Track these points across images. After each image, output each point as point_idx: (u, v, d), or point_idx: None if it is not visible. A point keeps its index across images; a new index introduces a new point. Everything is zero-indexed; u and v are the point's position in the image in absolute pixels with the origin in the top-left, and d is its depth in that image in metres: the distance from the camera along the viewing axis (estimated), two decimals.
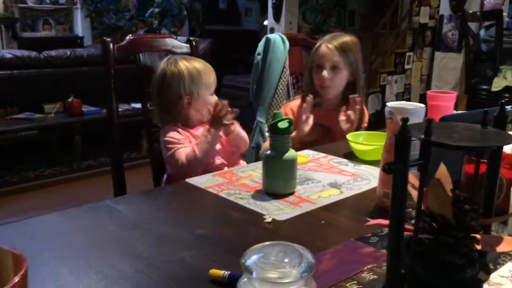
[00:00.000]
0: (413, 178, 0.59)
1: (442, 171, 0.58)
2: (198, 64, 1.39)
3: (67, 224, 0.87)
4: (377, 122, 2.09)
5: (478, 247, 0.57)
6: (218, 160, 1.41)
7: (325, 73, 1.56)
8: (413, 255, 0.57)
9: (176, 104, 1.37)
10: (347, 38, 1.62)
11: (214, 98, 1.41)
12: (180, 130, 1.38)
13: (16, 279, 0.33)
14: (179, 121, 1.40)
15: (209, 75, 1.39)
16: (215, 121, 1.32)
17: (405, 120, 0.48)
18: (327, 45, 1.58)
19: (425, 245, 0.56)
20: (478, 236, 0.57)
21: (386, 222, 0.73)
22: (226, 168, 1.36)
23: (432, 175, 0.55)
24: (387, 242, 0.53)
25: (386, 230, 0.82)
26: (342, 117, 1.53)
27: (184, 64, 1.37)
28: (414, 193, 0.60)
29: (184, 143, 1.35)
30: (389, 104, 0.91)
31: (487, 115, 0.55)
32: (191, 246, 0.77)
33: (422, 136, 0.50)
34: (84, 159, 3.58)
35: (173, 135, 1.36)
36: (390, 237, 0.52)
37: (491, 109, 0.59)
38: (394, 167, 0.48)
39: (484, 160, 0.62)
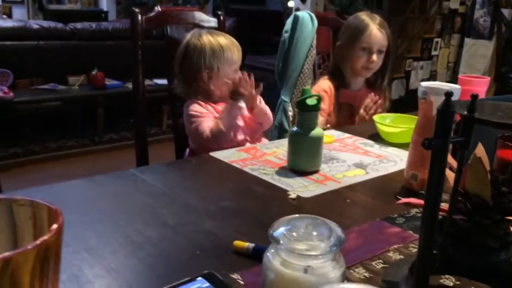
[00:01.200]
0: (449, 157, 0.57)
1: (480, 151, 0.56)
2: (223, 39, 1.37)
3: (94, 190, 0.88)
4: (401, 107, 2.06)
5: None
6: (241, 136, 1.40)
7: (375, 57, 1.57)
8: (445, 235, 0.55)
9: (196, 77, 1.37)
10: (383, 20, 1.60)
11: (238, 75, 1.38)
12: (201, 103, 1.37)
13: (53, 230, 0.33)
14: (200, 94, 1.39)
15: (233, 52, 1.38)
16: (234, 93, 1.32)
17: (449, 94, 0.46)
18: (378, 28, 1.57)
19: (459, 225, 0.55)
20: None
21: (417, 201, 0.72)
22: (248, 145, 1.35)
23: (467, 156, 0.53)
24: (420, 222, 0.51)
25: (413, 211, 0.80)
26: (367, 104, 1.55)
27: (208, 38, 1.36)
28: (449, 174, 0.58)
29: (207, 116, 1.35)
30: (423, 83, 0.89)
31: None
32: (216, 217, 0.77)
33: (465, 113, 0.48)
34: (105, 132, 3.62)
35: (196, 108, 1.35)
36: (424, 215, 0.50)
37: None
38: (434, 142, 0.46)
39: None
